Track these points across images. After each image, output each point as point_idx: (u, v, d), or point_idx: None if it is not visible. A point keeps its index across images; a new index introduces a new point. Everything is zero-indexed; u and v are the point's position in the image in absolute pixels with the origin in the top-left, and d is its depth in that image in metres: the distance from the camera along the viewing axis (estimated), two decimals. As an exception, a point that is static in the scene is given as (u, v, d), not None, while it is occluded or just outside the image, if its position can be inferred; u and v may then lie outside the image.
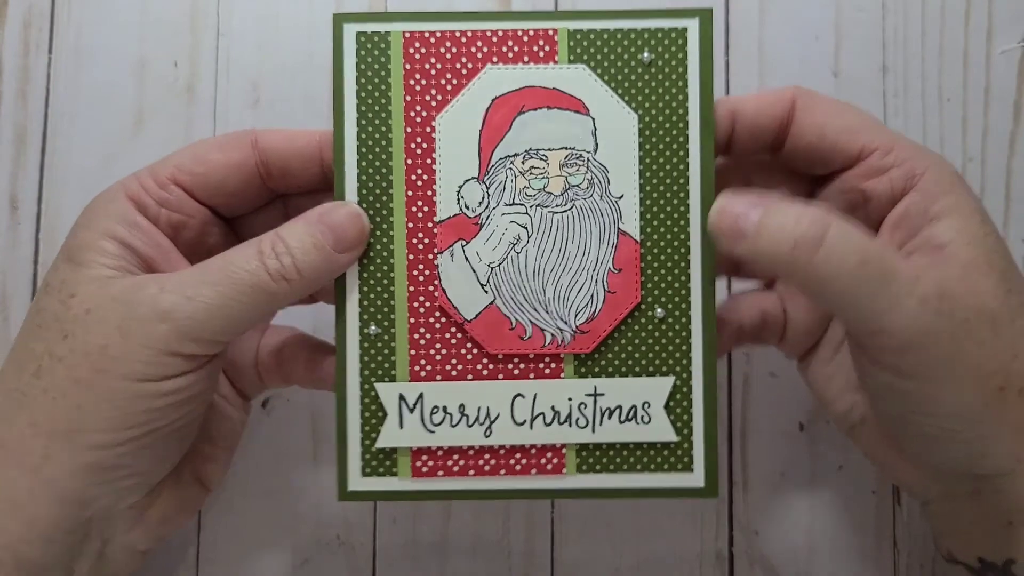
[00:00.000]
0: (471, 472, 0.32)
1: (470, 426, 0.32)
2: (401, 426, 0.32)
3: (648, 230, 0.32)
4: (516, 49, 0.32)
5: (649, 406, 0.32)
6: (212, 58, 0.42)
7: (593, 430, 0.32)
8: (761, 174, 0.35)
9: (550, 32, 0.32)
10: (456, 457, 0.32)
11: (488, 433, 0.32)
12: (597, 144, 0.32)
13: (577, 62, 0.32)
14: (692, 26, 0.32)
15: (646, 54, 0.32)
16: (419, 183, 0.32)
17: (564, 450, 0.32)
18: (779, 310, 0.35)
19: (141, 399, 0.28)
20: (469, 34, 0.32)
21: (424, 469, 0.32)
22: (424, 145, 0.32)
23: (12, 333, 0.41)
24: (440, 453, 0.32)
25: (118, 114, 0.42)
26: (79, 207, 0.41)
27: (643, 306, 0.32)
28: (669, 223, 0.32)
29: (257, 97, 0.42)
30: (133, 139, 0.42)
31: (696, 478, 0.32)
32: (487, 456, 0.32)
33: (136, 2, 0.42)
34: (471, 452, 0.32)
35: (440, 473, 0.32)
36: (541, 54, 0.32)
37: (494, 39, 0.32)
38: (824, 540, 0.41)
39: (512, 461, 0.32)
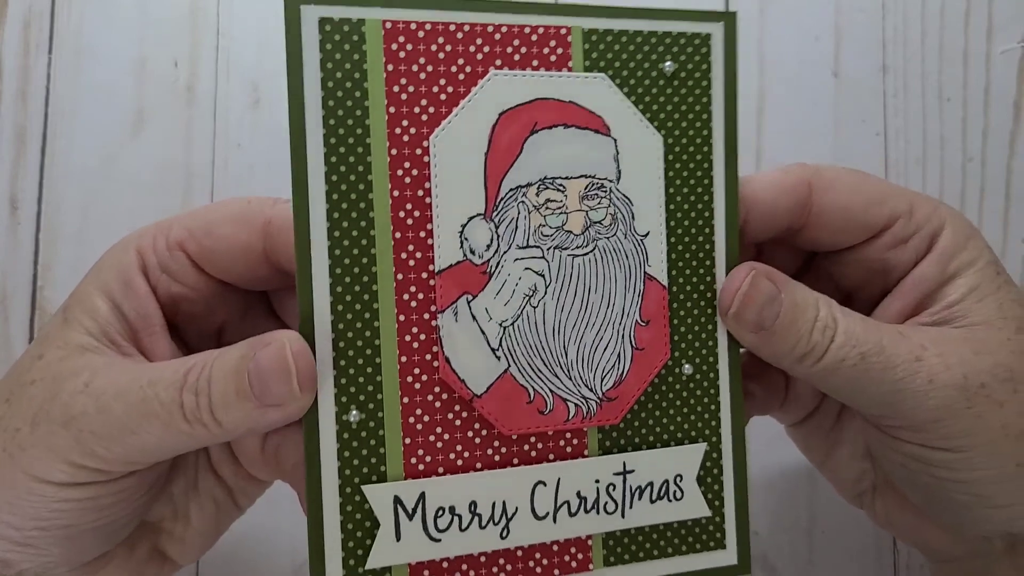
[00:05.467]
0: None
1: (483, 527, 0.26)
2: (398, 537, 0.25)
3: (674, 272, 0.28)
4: (524, 51, 0.26)
5: (681, 479, 0.28)
6: (212, 58, 0.42)
7: (623, 515, 0.27)
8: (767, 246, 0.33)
9: (562, 31, 0.27)
10: (465, 567, 0.26)
11: (505, 533, 0.26)
12: (620, 171, 0.27)
13: (594, 69, 0.27)
14: (716, 32, 0.28)
15: (668, 63, 0.28)
16: (409, 221, 0.25)
17: (590, 541, 0.27)
18: (781, 377, 0.33)
19: (41, 498, 0.25)
20: (466, 28, 0.26)
21: None
22: (415, 172, 0.25)
23: (12, 333, 0.41)
24: (446, 564, 0.26)
25: (118, 114, 0.42)
26: (79, 207, 0.41)
27: (670, 362, 0.28)
28: (695, 264, 0.28)
29: (257, 97, 0.42)
30: (133, 139, 0.42)
31: (728, 555, 0.28)
32: (502, 560, 0.26)
33: (136, 2, 0.42)
34: (483, 558, 0.26)
35: None
36: (553, 58, 0.27)
37: (497, 36, 0.26)
38: (824, 540, 0.41)
39: (532, 563, 0.27)
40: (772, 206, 0.29)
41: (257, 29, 0.43)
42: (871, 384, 0.27)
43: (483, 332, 0.26)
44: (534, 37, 0.27)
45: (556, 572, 0.27)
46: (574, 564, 0.27)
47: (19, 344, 0.41)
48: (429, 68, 0.26)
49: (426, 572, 0.26)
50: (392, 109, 0.25)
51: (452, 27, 0.26)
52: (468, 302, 0.26)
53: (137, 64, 0.42)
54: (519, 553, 0.26)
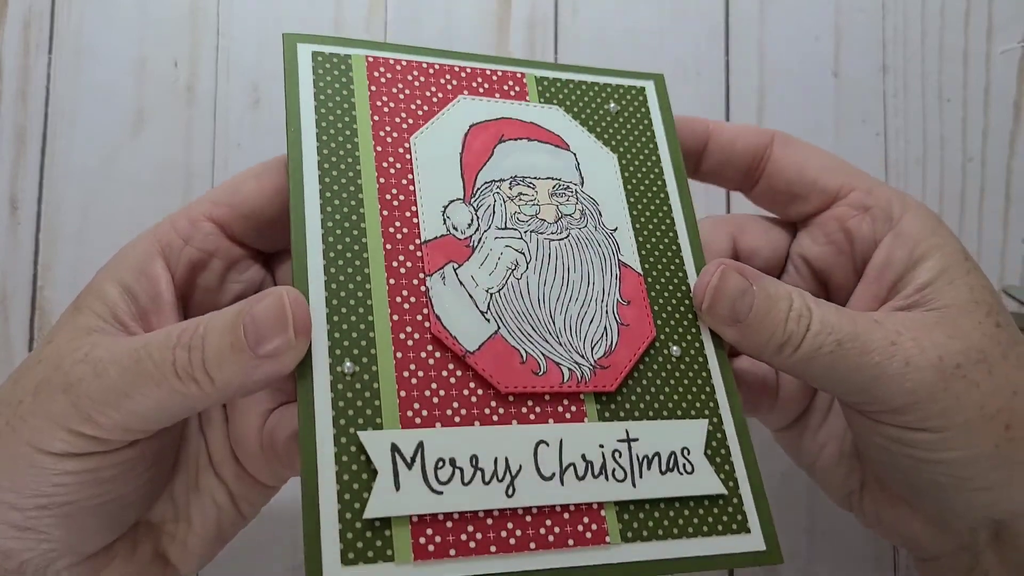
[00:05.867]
0: (493, 548, 0.24)
1: (487, 483, 0.25)
2: (397, 487, 0.24)
3: (647, 265, 0.30)
4: (486, 86, 0.31)
5: (689, 452, 0.27)
6: (212, 58, 0.42)
7: (634, 484, 0.26)
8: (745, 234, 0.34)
9: (518, 74, 0.32)
10: (471, 529, 0.24)
11: (511, 491, 0.25)
12: (582, 178, 0.30)
13: (549, 103, 0.31)
14: (649, 86, 0.33)
15: (612, 105, 0.32)
16: (395, 203, 0.28)
17: (603, 511, 0.26)
18: (772, 375, 0.34)
19: (42, 470, 0.25)
20: (437, 66, 0.31)
21: (431, 548, 0.24)
22: (398, 165, 0.28)
23: (12, 333, 0.41)
24: (450, 524, 0.24)
25: (118, 114, 0.42)
26: (79, 207, 0.41)
27: (658, 343, 0.29)
28: (665, 260, 0.30)
29: (257, 97, 0.42)
30: (133, 139, 0.42)
31: (755, 540, 0.27)
32: (511, 525, 0.25)
33: (136, 2, 0.42)
34: (490, 520, 0.25)
35: (452, 552, 0.24)
36: (512, 93, 0.31)
37: (463, 74, 0.31)
38: (824, 540, 0.41)
39: (543, 530, 0.25)
40: (731, 140, 0.32)
41: (257, 29, 0.43)
42: (849, 370, 0.27)
43: (471, 296, 0.27)
44: (494, 78, 0.31)
45: (570, 542, 0.25)
46: (588, 535, 0.25)
47: (19, 344, 0.41)
48: (407, 91, 0.30)
49: (429, 531, 0.24)
50: (376, 118, 0.29)
51: (425, 64, 0.31)
52: (455, 269, 0.27)
53: (137, 64, 0.42)
54: (528, 518, 0.25)
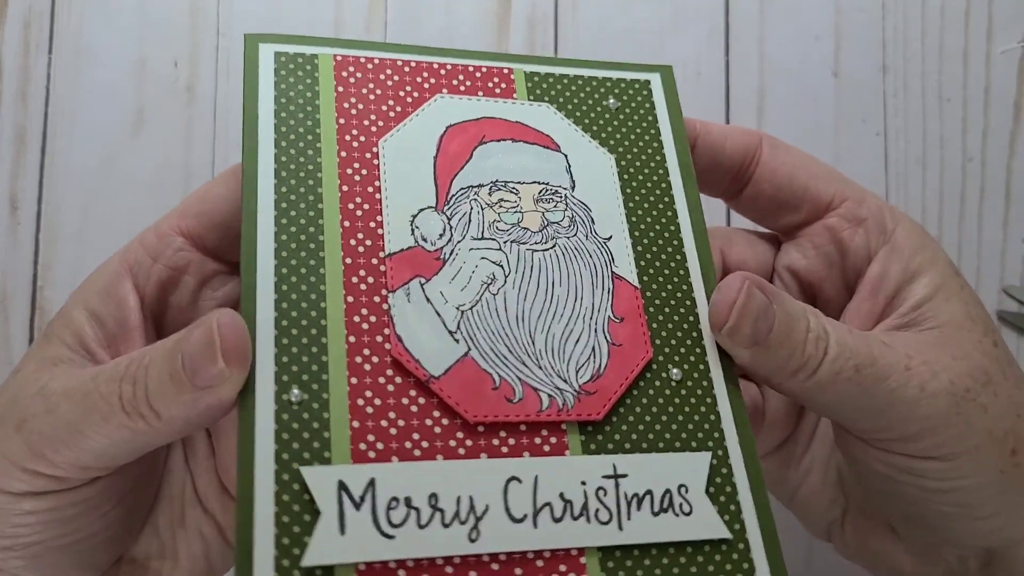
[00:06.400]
0: None
1: (447, 525, 0.22)
2: (343, 530, 0.21)
3: (645, 278, 0.27)
4: (468, 84, 0.28)
5: (687, 491, 0.24)
6: (212, 58, 0.42)
7: (620, 526, 0.23)
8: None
9: (505, 70, 0.29)
10: None
11: (474, 535, 0.22)
12: (573, 182, 0.28)
13: (539, 101, 0.29)
14: (654, 79, 0.30)
15: (612, 100, 0.29)
16: (358, 212, 0.25)
17: (584, 559, 0.22)
18: (759, 397, 0.32)
19: (2, 511, 0.24)
20: (413, 64, 0.28)
21: None
22: (363, 172, 0.26)
23: (12, 333, 0.41)
24: (403, 573, 0.21)
25: (118, 114, 0.42)
26: (79, 207, 0.41)
27: (655, 365, 0.26)
28: (667, 272, 0.27)
29: (257, 97, 0.42)
30: (133, 139, 0.42)
31: None
32: (474, 574, 0.22)
33: (136, 2, 0.42)
34: (450, 568, 0.22)
35: None
36: (497, 91, 0.28)
37: (442, 72, 0.28)
38: (824, 552, 0.41)
39: None
40: (721, 140, 0.30)
41: (257, 29, 0.42)
42: (864, 396, 0.26)
43: (439, 314, 0.24)
44: (478, 74, 0.29)
45: None
46: None
47: (19, 344, 0.41)
48: (378, 91, 0.27)
49: None
50: (342, 120, 0.27)
51: (399, 62, 0.28)
52: (421, 284, 0.25)
53: (137, 64, 0.42)
54: (495, 566, 0.22)
